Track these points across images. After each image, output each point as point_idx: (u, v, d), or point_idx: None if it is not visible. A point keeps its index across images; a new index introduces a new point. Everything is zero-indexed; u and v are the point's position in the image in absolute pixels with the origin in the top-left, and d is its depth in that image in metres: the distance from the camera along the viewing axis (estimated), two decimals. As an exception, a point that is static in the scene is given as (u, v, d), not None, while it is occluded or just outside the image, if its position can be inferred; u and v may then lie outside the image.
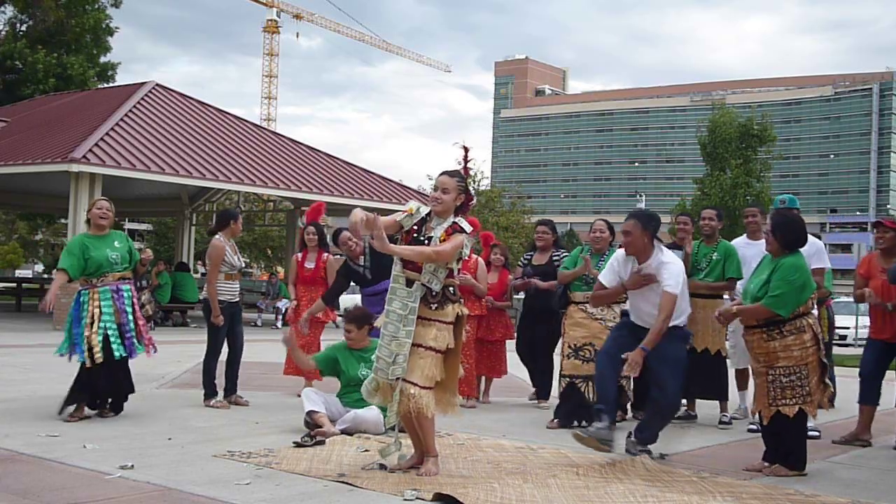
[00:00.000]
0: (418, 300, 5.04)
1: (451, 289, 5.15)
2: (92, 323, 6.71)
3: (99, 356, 6.65)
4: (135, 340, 6.92)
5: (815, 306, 5.83)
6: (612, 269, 6.06)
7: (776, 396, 5.45)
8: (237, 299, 8.08)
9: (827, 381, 5.58)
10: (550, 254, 8.26)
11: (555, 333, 8.04)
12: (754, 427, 7.11)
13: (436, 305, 5.08)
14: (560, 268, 7.61)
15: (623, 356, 5.64)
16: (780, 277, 5.42)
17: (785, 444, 5.52)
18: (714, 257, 7.60)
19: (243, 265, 8.86)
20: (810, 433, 6.80)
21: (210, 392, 7.93)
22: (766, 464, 5.57)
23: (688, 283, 7.31)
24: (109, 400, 6.94)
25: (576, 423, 6.93)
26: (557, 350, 7.94)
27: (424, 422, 5.08)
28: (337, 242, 7.82)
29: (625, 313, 6.21)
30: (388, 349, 5.07)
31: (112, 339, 6.73)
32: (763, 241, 7.34)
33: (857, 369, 7.04)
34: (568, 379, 7.15)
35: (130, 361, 7.02)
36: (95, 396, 6.87)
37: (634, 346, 5.66)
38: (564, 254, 8.16)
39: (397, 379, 5.02)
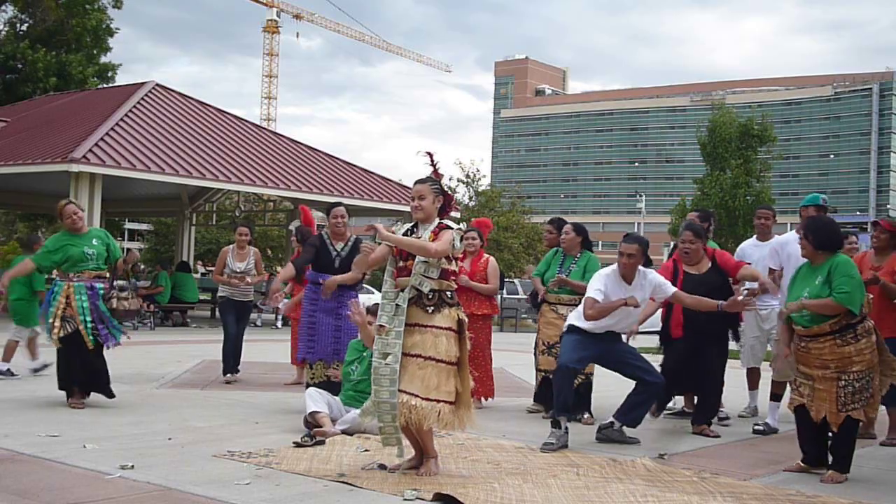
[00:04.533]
0: (406, 301, 5.01)
1: (448, 293, 5.12)
2: (62, 312, 7.13)
3: (56, 341, 7.16)
4: (110, 332, 7.31)
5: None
6: (601, 291, 6.32)
7: (846, 402, 5.32)
8: (237, 297, 9.39)
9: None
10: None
11: None
12: (760, 427, 7.11)
13: (432, 309, 5.03)
14: (535, 272, 7.91)
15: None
16: (842, 274, 5.32)
17: (842, 449, 5.42)
18: None
19: (241, 269, 9.42)
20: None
21: (224, 369, 9.33)
22: (804, 465, 5.47)
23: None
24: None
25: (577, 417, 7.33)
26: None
27: (423, 429, 5.05)
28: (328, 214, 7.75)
29: (572, 329, 6.46)
30: (381, 361, 5.00)
31: (86, 331, 7.15)
32: (769, 242, 7.41)
33: None
34: (543, 373, 7.64)
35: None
36: (73, 381, 7.30)
37: (599, 358, 6.53)
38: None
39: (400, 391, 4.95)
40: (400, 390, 4.94)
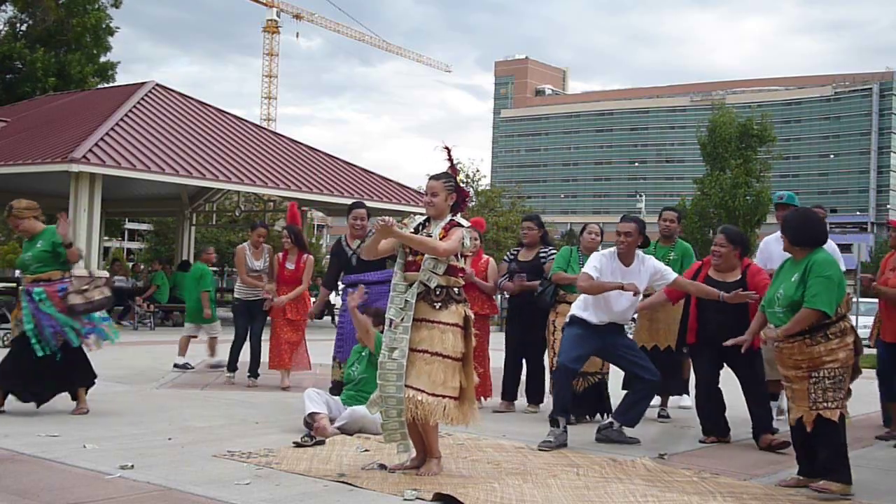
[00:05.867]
0: (415, 296, 5.02)
1: (455, 289, 5.13)
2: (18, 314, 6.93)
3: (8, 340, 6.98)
4: (67, 333, 6.78)
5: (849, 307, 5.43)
6: (596, 268, 6.35)
7: (817, 399, 5.07)
8: (253, 298, 9.37)
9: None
10: (538, 250, 8.04)
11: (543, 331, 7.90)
12: None
13: (439, 305, 5.04)
14: (554, 268, 7.61)
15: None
16: (815, 275, 5.10)
17: (830, 455, 5.08)
18: (672, 257, 7.73)
19: (260, 268, 9.40)
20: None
21: (229, 367, 9.48)
22: (801, 477, 5.22)
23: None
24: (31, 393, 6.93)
25: (573, 418, 7.23)
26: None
27: (428, 426, 5.06)
28: (348, 214, 7.93)
29: (574, 321, 6.43)
30: (388, 355, 5.02)
31: (31, 340, 6.73)
32: None
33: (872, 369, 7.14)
34: None
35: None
36: (24, 387, 6.83)
37: (598, 352, 6.54)
38: (552, 251, 8.07)
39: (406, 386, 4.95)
40: (407, 385, 4.95)
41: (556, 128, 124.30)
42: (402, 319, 5.00)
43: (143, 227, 52.95)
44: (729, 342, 5.68)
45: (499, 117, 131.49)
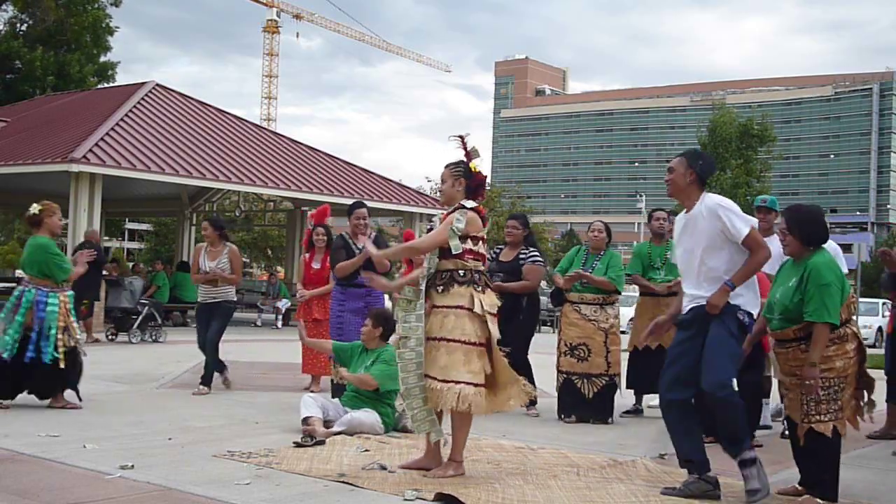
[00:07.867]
0: (424, 282, 5.07)
1: (460, 272, 5.05)
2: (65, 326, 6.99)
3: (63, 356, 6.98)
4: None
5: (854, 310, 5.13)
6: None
7: (810, 412, 4.81)
8: (208, 300, 8.59)
9: (863, 393, 4.97)
10: (518, 251, 7.71)
11: (524, 331, 7.63)
12: None
13: (441, 288, 5.04)
14: (556, 269, 7.68)
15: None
16: (814, 283, 4.77)
17: (816, 468, 4.84)
18: (669, 256, 7.68)
19: (210, 269, 8.51)
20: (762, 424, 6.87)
21: (217, 369, 8.68)
22: (799, 487, 4.95)
23: (646, 282, 7.58)
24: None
25: (574, 416, 7.33)
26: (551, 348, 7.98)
27: (457, 424, 5.07)
28: (350, 213, 7.91)
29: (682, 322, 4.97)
30: (403, 344, 5.05)
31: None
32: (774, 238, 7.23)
33: (879, 369, 7.12)
34: (565, 375, 7.45)
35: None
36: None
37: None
38: (533, 252, 7.68)
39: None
40: (426, 375, 4.99)
41: (556, 128, 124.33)
42: (415, 308, 5.03)
43: (143, 227, 52.97)
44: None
45: (499, 117, 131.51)
